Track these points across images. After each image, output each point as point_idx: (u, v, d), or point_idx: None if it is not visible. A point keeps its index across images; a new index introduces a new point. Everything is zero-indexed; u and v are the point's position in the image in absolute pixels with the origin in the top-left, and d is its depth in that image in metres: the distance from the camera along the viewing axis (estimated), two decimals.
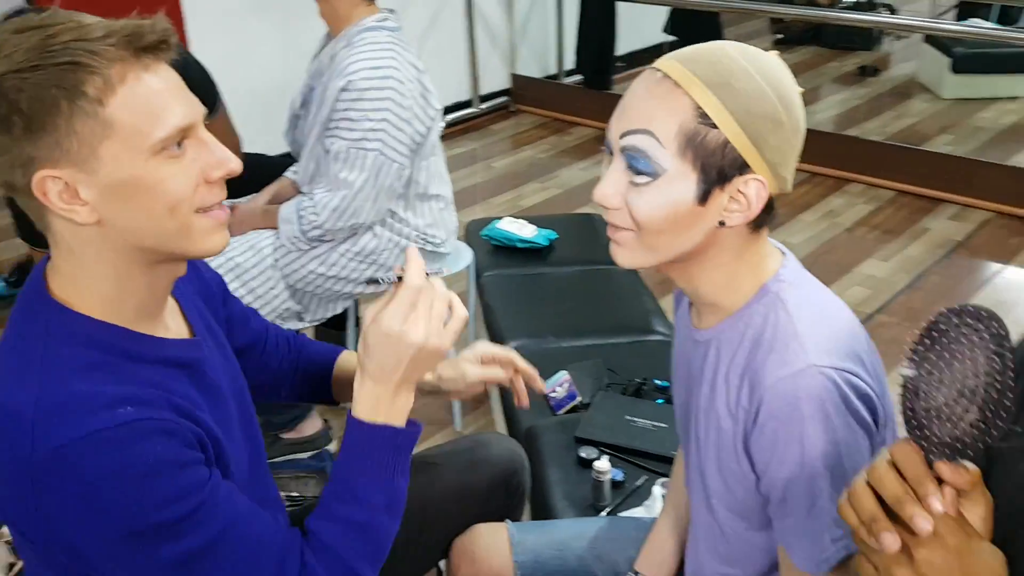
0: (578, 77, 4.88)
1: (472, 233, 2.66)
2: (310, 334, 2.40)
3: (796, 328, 0.87)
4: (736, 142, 0.84)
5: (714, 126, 0.84)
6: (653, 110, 0.85)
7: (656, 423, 1.73)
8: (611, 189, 0.88)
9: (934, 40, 4.85)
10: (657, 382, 1.95)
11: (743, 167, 0.85)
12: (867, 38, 5.59)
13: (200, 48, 3.58)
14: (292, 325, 2.10)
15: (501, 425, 2.31)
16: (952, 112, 4.58)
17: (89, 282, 0.87)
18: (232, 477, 0.92)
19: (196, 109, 0.85)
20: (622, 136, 0.87)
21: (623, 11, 4.64)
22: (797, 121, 0.87)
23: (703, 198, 0.86)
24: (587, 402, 1.87)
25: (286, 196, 2.12)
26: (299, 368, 1.25)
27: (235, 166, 0.86)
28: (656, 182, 0.86)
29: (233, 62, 3.30)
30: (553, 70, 5.00)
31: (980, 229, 3.38)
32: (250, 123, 2.49)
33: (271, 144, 2.59)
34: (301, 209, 1.96)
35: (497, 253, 2.62)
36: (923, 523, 0.59)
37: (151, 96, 0.80)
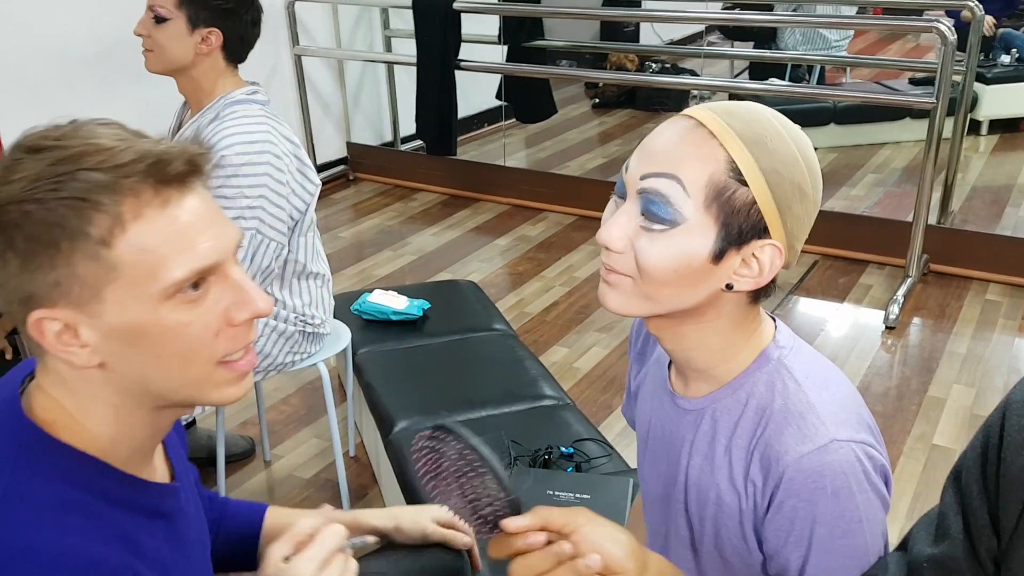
0: (415, 143, 4.86)
1: (340, 308, 2.53)
2: None
3: (809, 398, 0.84)
4: (763, 204, 0.81)
5: (744, 183, 0.80)
6: (684, 156, 0.81)
7: (579, 495, 1.68)
8: (619, 232, 0.83)
9: (738, 99, 5.21)
10: (562, 449, 1.90)
11: (763, 231, 0.82)
12: (677, 100, 5.96)
13: (9, 127, 3.29)
14: None
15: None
16: None
17: (82, 416, 0.74)
18: None
19: (225, 244, 0.74)
20: (643, 178, 0.82)
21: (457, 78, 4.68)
22: (818, 195, 0.86)
23: (718, 256, 0.82)
24: None
25: None
26: (221, 528, 1.11)
27: (264, 306, 0.75)
28: (673, 231, 0.81)
29: None
30: (389, 137, 4.96)
31: (811, 272, 3.63)
32: None
33: None
34: None
35: (370, 328, 2.51)
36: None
37: (169, 234, 0.70)
